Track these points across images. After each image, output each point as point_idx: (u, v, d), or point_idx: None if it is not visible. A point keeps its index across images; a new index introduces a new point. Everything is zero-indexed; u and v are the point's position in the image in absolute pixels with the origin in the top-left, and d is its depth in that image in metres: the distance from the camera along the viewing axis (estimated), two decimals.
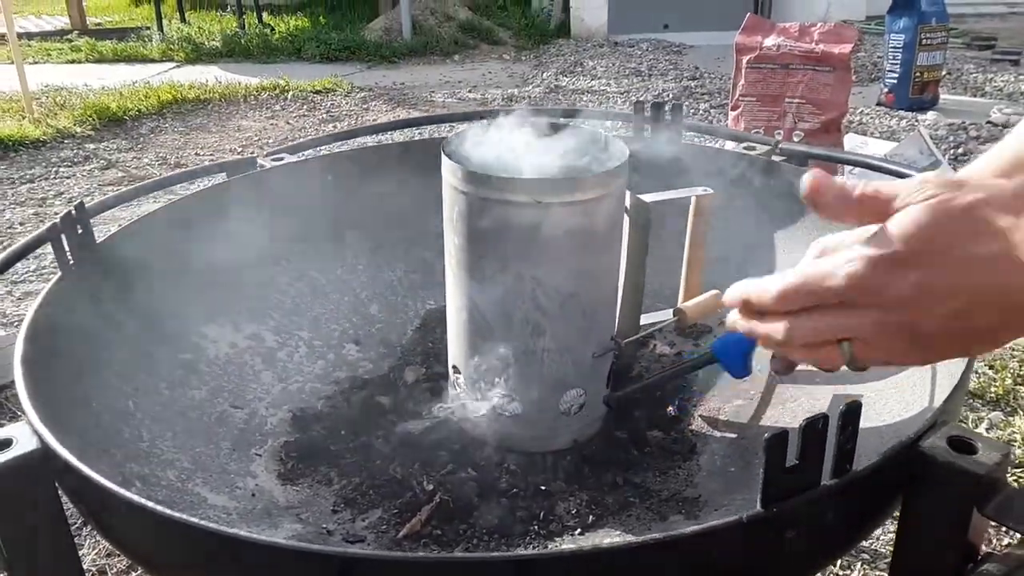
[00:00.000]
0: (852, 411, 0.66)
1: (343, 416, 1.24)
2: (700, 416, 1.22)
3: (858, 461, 0.70)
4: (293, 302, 1.42)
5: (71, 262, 1.13)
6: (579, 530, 1.03)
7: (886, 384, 1.06)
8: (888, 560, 1.54)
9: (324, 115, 4.79)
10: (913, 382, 1.04)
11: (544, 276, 1.04)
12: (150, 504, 0.68)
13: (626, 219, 1.16)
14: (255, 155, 1.51)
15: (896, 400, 1.04)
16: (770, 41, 2.90)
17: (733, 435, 1.16)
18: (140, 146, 4.26)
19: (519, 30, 6.99)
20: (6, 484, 0.77)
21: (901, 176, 1.62)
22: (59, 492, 0.81)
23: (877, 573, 1.51)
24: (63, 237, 1.12)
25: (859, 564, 1.53)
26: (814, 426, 0.64)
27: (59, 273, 1.11)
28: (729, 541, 0.64)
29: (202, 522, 0.63)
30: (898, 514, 0.78)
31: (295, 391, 1.29)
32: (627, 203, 1.15)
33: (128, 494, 0.68)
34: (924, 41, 4.25)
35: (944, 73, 4.54)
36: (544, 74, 5.63)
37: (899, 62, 4.30)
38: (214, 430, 1.15)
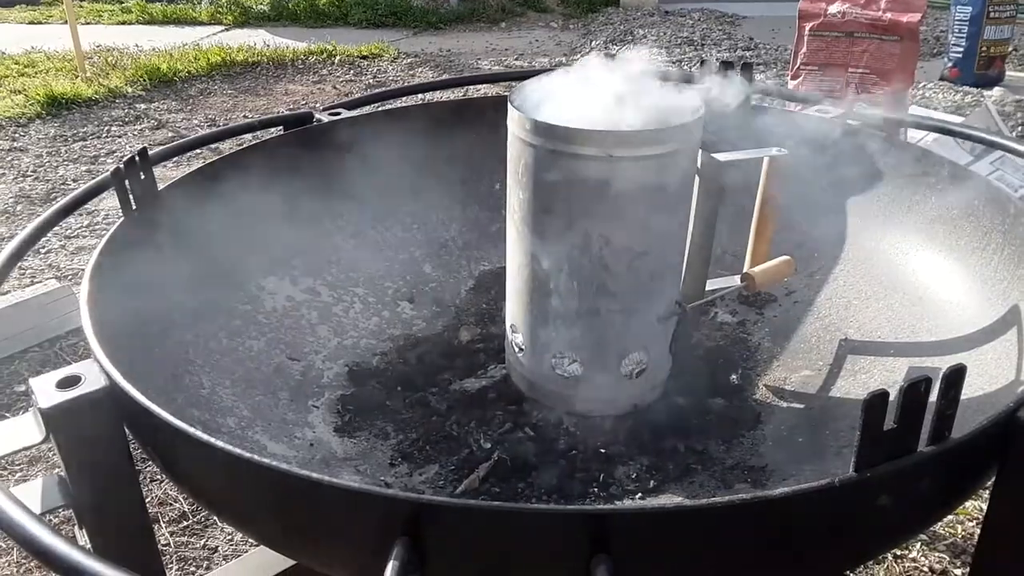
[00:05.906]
0: (956, 375, 0.62)
1: (399, 372, 1.23)
2: (764, 385, 1.19)
3: None
4: (349, 258, 1.41)
5: (134, 208, 1.12)
6: (639, 494, 1.00)
7: (968, 356, 1.01)
8: (948, 542, 1.50)
9: (371, 80, 4.77)
10: (998, 356, 0.99)
11: (612, 233, 1.01)
12: (220, 443, 0.67)
13: (696, 179, 1.11)
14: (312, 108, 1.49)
15: (977, 374, 0.99)
16: (835, 8, 2.79)
17: (800, 405, 1.13)
18: (190, 107, 4.29)
19: None
20: (74, 420, 0.76)
21: (979, 142, 1.55)
22: (125, 431, 0.81)
23: (936, 555, 1.47)
24: (127, 183, 1.11)
25: (919, 544, 1.48)
26: (916, 388, 0.60)
27: (122, 218, 1.11)
28: (820, 505, 0.61)
29: (278, 464, 0.61)
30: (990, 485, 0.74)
31: (350, 346, 1.28)
32: (698, 162, 1.10)
33: (197, 432, 0.67)
34: (992, 14, 4.07)
35: (1011, 49, 4.35)
36: (593, 43, 5.53)
37: (965, 35, 4.13)
38: (272, 381, 1.15)
